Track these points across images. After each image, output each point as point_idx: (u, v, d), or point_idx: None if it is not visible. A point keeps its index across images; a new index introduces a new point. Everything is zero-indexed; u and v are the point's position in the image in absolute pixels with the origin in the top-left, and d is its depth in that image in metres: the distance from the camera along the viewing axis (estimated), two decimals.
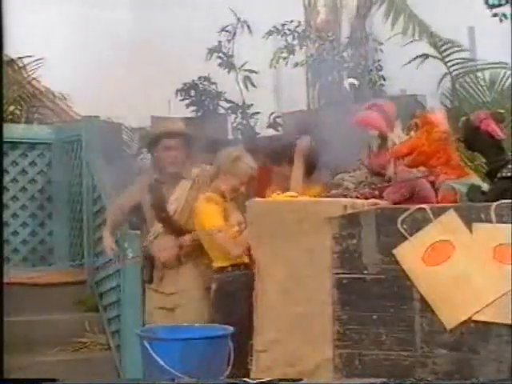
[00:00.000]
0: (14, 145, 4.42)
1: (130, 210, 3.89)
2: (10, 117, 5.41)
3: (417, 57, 4.88)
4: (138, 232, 4.37)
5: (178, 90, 5.78)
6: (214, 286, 3.58)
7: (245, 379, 2.51)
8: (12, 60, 5.91)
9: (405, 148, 2.84)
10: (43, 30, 6.90)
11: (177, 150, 3.73)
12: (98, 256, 4.43)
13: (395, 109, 3.10)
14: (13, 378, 2.78)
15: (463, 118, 2.83)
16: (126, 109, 6.01)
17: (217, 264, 3.61)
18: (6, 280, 3.99)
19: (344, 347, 2.56)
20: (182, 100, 5.79)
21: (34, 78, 5.84)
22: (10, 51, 6.33)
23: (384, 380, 2.45)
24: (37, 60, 5.75)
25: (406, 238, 2.52)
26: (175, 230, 3.73)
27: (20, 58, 5.79)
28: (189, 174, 3.77)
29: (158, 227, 3.77)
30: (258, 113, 5.76)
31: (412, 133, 2.88)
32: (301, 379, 2.55)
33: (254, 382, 2.45)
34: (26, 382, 2.95)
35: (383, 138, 3.03)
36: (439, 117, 2.88)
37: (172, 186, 3.78)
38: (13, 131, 4.42)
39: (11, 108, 5.54)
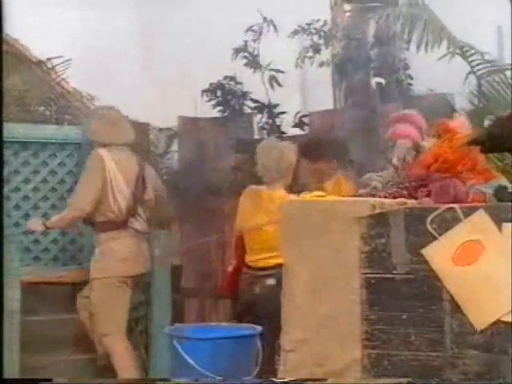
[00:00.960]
0: (45, 145, 4.46)
1: None
2: (39, 117, 5.49)
3: (444, 55, 4.84)
4: (167, 231, 4.41)
5: (204, 91, 5.80)
6: (271, 281, 3.56)
7: (272, 379, 2.52)
8: (41, 61, 5.99)
9: (429, 157, 2.83)
10: (71, 32, 6.98)
11: None
12: None
13: (423, 119, 3.08)
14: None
15: (491, 117, 2.80)
16: (152, 109, 6.04)
17: (278, 260, 3.62)
18: (36, 279, 4.08)
19: (373, 347, 2.55)
20: (209, 100, 5.80)
21: (62, 79, 5.91)
22: (39, 52, 6.43)
23: (410, 380, 2.45)
24: (65, 61, 5.81)
25: (435, 238, 2.51)
26: None
27: (49, 59, 5.86)
28: None
29: None
30: (283, 112, 5.75)
31: (435, 140, 2.87)
32: (325, 379, 2.55)
33: (280, 381, 2.46)
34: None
35: (417, 149, 3.02)
36: (460, 122, 2.86)
37: None
38: (43, 132, 4.47)
39: (41, 109, 5.61)
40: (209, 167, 5.36)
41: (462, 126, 2.83)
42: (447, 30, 4.94)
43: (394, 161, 3.04)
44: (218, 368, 2.60)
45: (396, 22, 5.02)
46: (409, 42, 5.12)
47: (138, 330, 4.38)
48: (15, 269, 3.73)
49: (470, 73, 4.93)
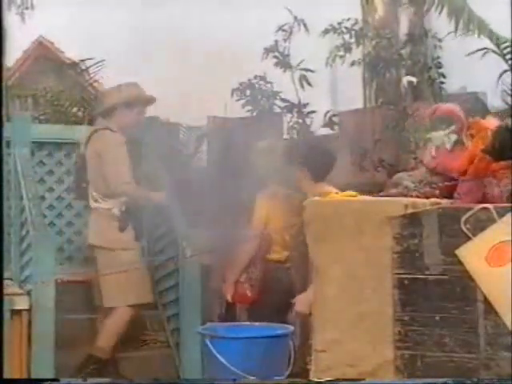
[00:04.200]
0: (79, 146, 4.52)
1: None
2: (73, 118, 5.56)
3: (478, 50, 4.77)
4: (197, 231, 4.43)
5: (233, 90, 5.81)
6: None
7: (309, 379, 2.52)
8: (74, 63, 6.06)
9: (465, 160, 2.79)
10: (102, 33, 7.05)
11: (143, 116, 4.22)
12: (158, 254, 4.49)
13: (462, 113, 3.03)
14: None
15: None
16: (182, 109, 6.07)
17: None
18: (70, 278, 4.13)
19: (405, 348, 2.54)
20: (238, 100, 5.81)
21: (95, 81, 5.97)
22: (73, 54, 6.50)
23: (445, 380, 2.43)
24: (98, 62, 5.87)
25: (469, 238, 2.48)
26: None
27: (82, 60, 5.92)
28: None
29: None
30: (313, 112, 5.74)
31: (469, 143, 2.83)
32: (363, 379, 2.54)
33: (316, 381, 2.46)
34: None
35: (459, 135, 2.96)
36: (493, 121, 2.82)
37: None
38: (78, 133, 4.52)
39: (74, 110, 5.67)
40: (238, 166, 5.36)
41: (495, 124, 2.79)
42: (487, 25, 4.88)
43: (426, 159, 3.01)
44: (251, 367, 2.60)
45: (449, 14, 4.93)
46: (456, 30, 5.00)
47: (170, 328, 4.42)
48: (50, 268, 3.78)
49: (505, 71, 4.85)
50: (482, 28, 4.77)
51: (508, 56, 4.85)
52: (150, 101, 4.29)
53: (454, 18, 4.89)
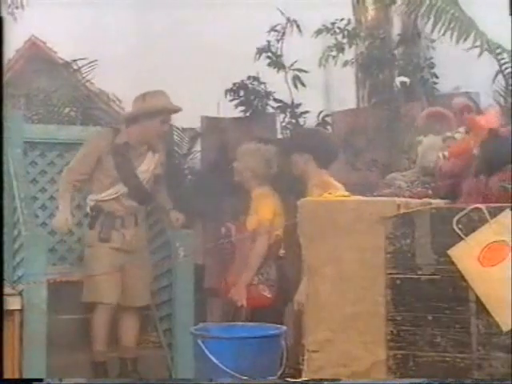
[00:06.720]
0: (71, 146, 4.50)
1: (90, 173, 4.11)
2: (65, 118, 5.54)
3: (471, 48, 4.75)
4: (190, 231, 4.43)
5: (227, 90, 5.81)
6: None
7: (287, 379, 2.52)
8: (67, 63, 6.05)
9: (455, 151, 2.80)
10: (97, 33, 7.04)
11: (168, 125, 4.21)
12: (150, 254, 4.48)
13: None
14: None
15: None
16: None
17: None
18: (62, 278, 4.13)
19: (398, 348, 2.54)
20: (232, 100, 5.81)
21: (88, 81, 5.96)
22: (65, 54, 6.49)
23: (426, 380, 2.44)
24: (90, 62, 5.86)
25: (461, 238, 2.49)
26: (143, 195, 4.11)
27: (74, 60, 5.91)
28: (157, 147, 4.16)
29: (120, 187, 4.06)
30: (307, 112, 5.74)
31: (464, 135, 2.84)
32: (339, 379, 2.55)
33: (293, 381, 2.46)
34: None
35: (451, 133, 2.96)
36: (489, 118, 2.82)
37: (141, 154, 4.11)
38: (70, 133, 4.51)
39: (66, 110, 5.66)
40: (231, 167, 5.37)
41: (491, 120, 2.79)
42: (475, 26, 4.87)
43: (421, 161, 3.01)
44: (243, 367, 2.60)
45: (423, 14, 4.94)
46: (433, 32, 5.01)
47: (162, 329, 4.41)
48: (42, 268, 3.77)
49: (499, 72, 4.86)
50: (469, 30, 4.74)
51: (499, 57, 4.86)
52: (175, 111, 4.26)
53: (432, 20, 4.84)
